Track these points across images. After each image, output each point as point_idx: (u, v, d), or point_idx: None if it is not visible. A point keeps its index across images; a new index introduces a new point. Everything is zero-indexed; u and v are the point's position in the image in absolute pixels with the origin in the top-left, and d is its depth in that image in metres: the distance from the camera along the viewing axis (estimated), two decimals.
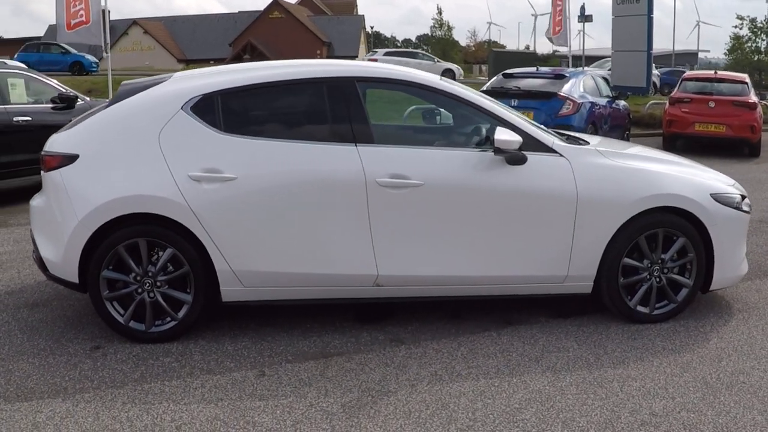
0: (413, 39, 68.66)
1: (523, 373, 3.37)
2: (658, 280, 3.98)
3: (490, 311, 4.11)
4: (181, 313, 3.62)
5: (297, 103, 3.80)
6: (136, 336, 3.61)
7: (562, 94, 9.12)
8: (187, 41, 52.69)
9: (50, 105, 7.53)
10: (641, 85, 14.03)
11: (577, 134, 4.76)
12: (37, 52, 25.71)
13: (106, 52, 11.61)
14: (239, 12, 55.66)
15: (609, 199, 3.82)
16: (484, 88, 10.07)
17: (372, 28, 63.85)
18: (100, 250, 3.52)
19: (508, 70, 10.49)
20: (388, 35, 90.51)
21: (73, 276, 3.58)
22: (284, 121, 3.77)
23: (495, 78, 10.61)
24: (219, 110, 3.63)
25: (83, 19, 10.96)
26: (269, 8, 50.84)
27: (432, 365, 3.45)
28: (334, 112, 3.73)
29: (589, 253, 3.84)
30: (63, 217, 3.55)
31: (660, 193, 3.88)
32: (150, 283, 3.57)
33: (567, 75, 9.78)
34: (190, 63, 48.58)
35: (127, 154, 3.55)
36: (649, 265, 3.96)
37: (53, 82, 8.08)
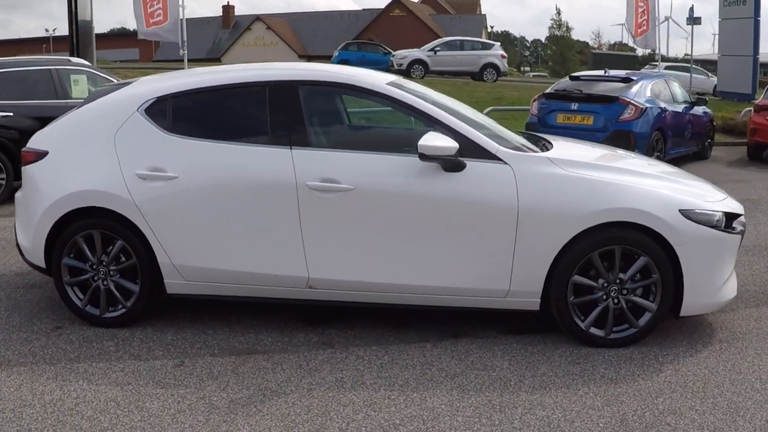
0: (542, 40, 67.10)
1: (428, 389, 3.27)
2: (615, 301, 3.68)
3: (443, 322, 4.00)
4: (129, 302, 3.89)
5: (240, 106, 3.93)
6: (91, 320, 3.93)
7: (623, 98, 8.58)
8: (309, 37, 54.79)
9: None
10: (746, 91, 12.78)
11: (548, 137, 4.52)
12: (357, 51, 27.56)
13: (183, 50, 12.34)
14: (363, 9, 57.06)
15: (556, 211, 3.59)
16: (547, 91, 9.72)
17: (492, 27, 63.00)
18: (61, 239, 3.88)
19: (575, 73, 10.01)
20: (517, 35, 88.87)
21: (41, 261, 3.96)
22: (227, 124, 3.91)
23: (561, 81, 10.18)
24: (169, 112, 3.86)
25: (161, 18, 11.74)
26: (390, 6, 51.71)
27: (343, 371, 3.44)
28: (273, 115, 3.81)
29: (533, 268, 3.64)
30: (33, 208, 3.95)
31: (615, 207, 3.58)
32: (104, 272, 3.87)
33: (635, 79, 9.16)
34: (311, 59, 50.57)
35: (87, 152, 3.88)
36: (605, 285, 3.67)
37: (115, 78, 8.78)
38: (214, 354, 3.64)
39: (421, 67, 22.44)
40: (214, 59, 50.73)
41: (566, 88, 9.38)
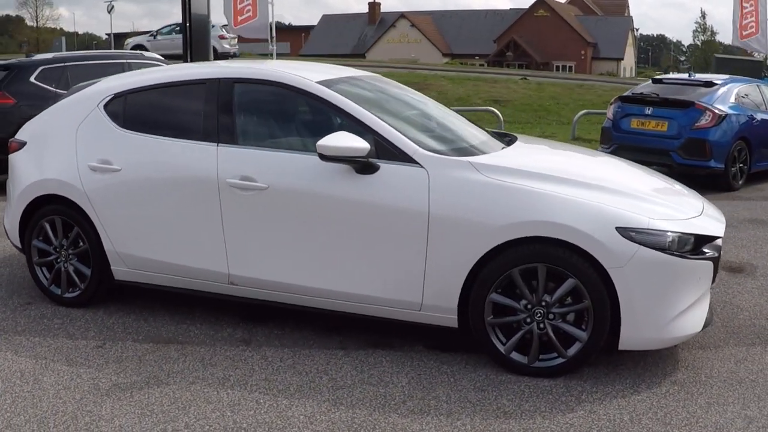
0: (699, 44, 61.99)
1: (301, 397, 3.19)
2: (541, 326, 3.33)
3: (374, 331, 3.85)
4: (83, 285, 4.18)
5: (181, 103, 4.03)
6: (55, 298, 4.28)
7: (700, 103, 7.66)
8: (453, 36, 54.75)
9: None
10: None
11: (513, 135, 4.23)
12: None
13: (272, 45, 12.83)
14: (509, 9, 56.02)
15: (471, 221, 3.32)
16: (625, 93, 8.98)
17: (638, 30, 59.15)
18: (31, 222, 4.26)
19: (659, 76, 9.11)
20: (674, 40, 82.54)
21: (17, 242, 4.37)
22: (168, 120, 4.03)
23: (644, 84, 9.30)
24: (123, 109, 4.08)
25: (250, 14, 12.22)
26: (535, 6, 50.39)
27: (236, 369, 3.46)
28: (206, 112, 3.88)
29: (446, 282, 3.39)
30: (12, 193, 4.38)
31: (530, 219, 3.24)
32: (65, 256, 4.19)
33: (719, 83, 8.13)
34: (455, 57, 50.63)
35: (54, 144, 4.21)
36: (529, 307, 3.33)
37: None
38: (137, 340, 3.81)
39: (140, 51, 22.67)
40: (359, 55, 52.53)
41: (644, 92, 8.57)
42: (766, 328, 4.01)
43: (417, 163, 3.46)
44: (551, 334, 3.32)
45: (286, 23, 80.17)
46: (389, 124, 3.58)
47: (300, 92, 3.74)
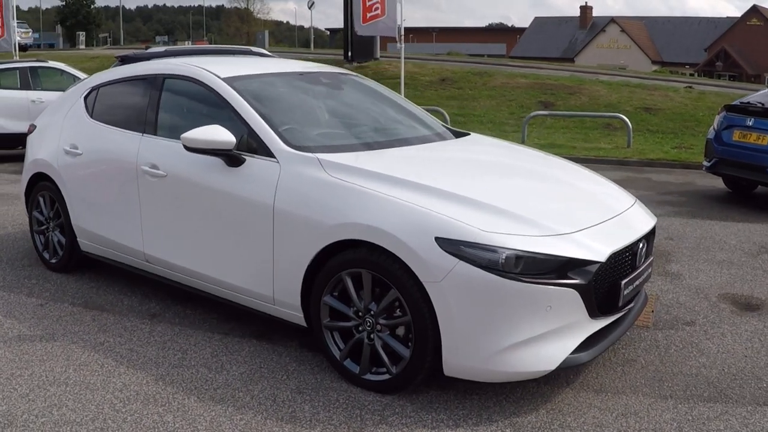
0: None
1: (121, 372, 3.42)
2: (371, 336, 3.16)
3: (273, 325, 3.93)
4: (61, 253, 4.82)
5: (130, 96, 4.43)
6: (45, 263, 5.03)
7: None
8: (664, 43, 50.62)
9: None
10: None
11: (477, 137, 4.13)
12: None
13: (400, 43, 12.79)
14: (723, 17, 50.27)
15: (307, 218, 3.27)
16: (734, 102, 7.75)
17: None
18: (30, 197, 5.03)
19: None
20: None
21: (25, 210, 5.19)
22: (119, 111, 4.47)
23: (760, 92, 7.85)
24: (94, 100, 4.63)
25: (378, 12, 12.20)
26: (747, 15, 44.67)
27: (114, 338, 3.81)
28: (142, 105, 4.25)
29: (289, 279, 3.38)
30: (23, 169, 5.15)
31: (357, 222, 3.08)
32: (51, 227, 4.88)
33: None
34: (664, 65, 46.74)
35: (50, 129, 4.93)
36: (359, 314, 3.18)
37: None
38: (74, 304, 4.34)
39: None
40: (568, 59, 50.83)
41: (751, 101, 7.27)
42: (713, 382, 3.34)
43: (274, 157, 3.49)
44: (377, 346, 3.15)
45: (509, 25, 79.87)
46: (267, 120, 3.63)
47: (205, 87, 3.94)
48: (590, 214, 3.30)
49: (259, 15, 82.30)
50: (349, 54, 22.88)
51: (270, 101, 3.87)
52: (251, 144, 3.58)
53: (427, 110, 16.64)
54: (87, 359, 3.53)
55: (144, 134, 4.14)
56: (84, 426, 2.89)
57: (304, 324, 3.45)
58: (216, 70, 4.01)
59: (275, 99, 3.94)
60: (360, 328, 3.20)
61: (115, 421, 2.94)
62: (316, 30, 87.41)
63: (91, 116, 4.61)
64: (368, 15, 12.47)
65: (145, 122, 4.18)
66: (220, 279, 3.74)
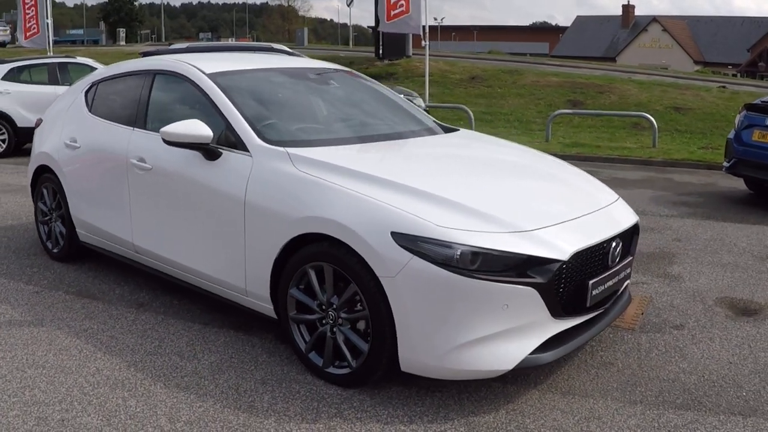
0: None
1: (102, 351, 3.51)
2: (333, 330, 3.17)
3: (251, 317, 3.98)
4: (62, 242, 4.96)
5: (125, 91, 4.53)
6: (48, 252, 5.19)
7: None
8: (707, 43, 49.23)
9: None
10: None
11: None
12: None
13: (425, 41, 12.73)
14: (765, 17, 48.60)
15: (274, 211, 3.30)
16: (755, 101, 7.49)
17: None
18: (36, 188, 5.21)
19: None
20: None
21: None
22: (114, 105, 4.58)
23: None
24: (93, 95, 4.75)
25: (403, 9, 12.17)
26: None
27: (98, 324, 3.91)
28: (133, 99, 4.35)
29: (259, 271, 3.42)
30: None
31: (319, 215, 3.10)
32: (54, 217, 5.03)
33: None
34: (707, 65, 45.45)
35: (53, 123, 5.08)
36: (322, 308, 3.19)
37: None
38: (68, 292, 4.47)
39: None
40: (610, 59, 49.90)
41: None
42: (689, 389, 3.24)
43: (248, 151, 3.53)
44: (339, 340, 3.16)
45: (553, 24, 78.81)
46: (243, 115, 3.66)
47: (190, 82, 4.00)
48: (562, 210, 3.23)
49: (302, 13, 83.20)
50: (380, 51, 22.89)
51: (251, 96, 3.91)
52: (229, 138, 3.63)
53: (451, 108, 16.59)
54: (68, 344, 3.63)
55: (134, 128, 4.23)
56: (51, 407, 2.99)
57: (274, 316, 3.48)
58: (203, 66, 4.07)
59: (257, 94, 3.98)
60: (324, 322, 3.22)
61: (80, 403, 3.02)
62: (359, 27, 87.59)
63: (90, 111, 4.73)
64: (392, 12, 12.49)
65: (136, 117, 4.28)
66: (198, 270, 3.80)
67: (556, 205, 3.29)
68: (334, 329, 3.17)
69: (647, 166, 10.02)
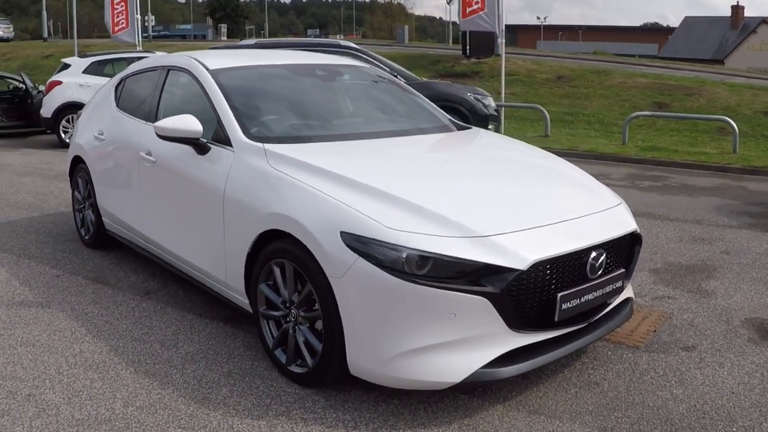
0: None
1: (92, 333, 3.66)
2: (294, 328, 3.14)
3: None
4: (92, 230, 5.23)
5: (144, 86, 4.68)
6: (81, 239, 5.47)
7: None
8: None
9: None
10: None
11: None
12: None
13: (501, 39, 12.35)
14: None
15: (247, 207, 3.32)
16: None
17: None
18: (72, 177, 5.51)
19: None
20: None
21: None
22: (135, 100, 4.75)
23: None
24: (121, 90, 4.96)
25: (478, 6, 11.85)
26: None
27: (99, 309, 4.09)
28: (149, 95, 4.51)
29: (235, 265, 3.44)
30: None
31: (278, 212, 3.09)
32: (86, 206, 5.30)
33: None
34: None
35: (88, 115, 5.38)
36: (286, 305, 3.16)
37: (379, 61, 9.84)
38: (87, 277, 4.71)
39: None
40: (717, 61, 46.85)
41: None
42: (672, 419, 2.94)
43: (231, 146, 3.55)
44: (299, 339, 3.11)
45: (664, 25, 75.36)
46: (234, 111, 3.68)
47: (194, 78, 4.08)
48: (539, 215, 3.01)
49: (409, 10, 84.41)
50: (467, 50, 22.55)
51: (247, 93, 3.95)
52: (219, 134, 3.68)
53: (527, 108, 16.05)
54: (64, 326, 3.82)
55: (147, 122, 4.38)
56: (24, 383, 3.15)
57: (251, 310, 3.49)
58: (209, 62, 4.14)
59: (254, 91, 4.01)
60: (288, 319, 3.19)
61: (51, 381, 3.17)
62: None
63: (117, 105, 4.96)
64: (468, 10, 12.26)
65: (149, 111, 4.43)
66: (191, 262, 3.89)
67: (535, 210, 3.07)
68: (296, 327, 3.14)
69: (723, 173, 9.25)
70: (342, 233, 2.81)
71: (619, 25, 75.25)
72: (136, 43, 15.05)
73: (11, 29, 36.56)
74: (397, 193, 2.95)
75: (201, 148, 3.68)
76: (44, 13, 37.29)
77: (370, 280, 2.72)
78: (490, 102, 10.44)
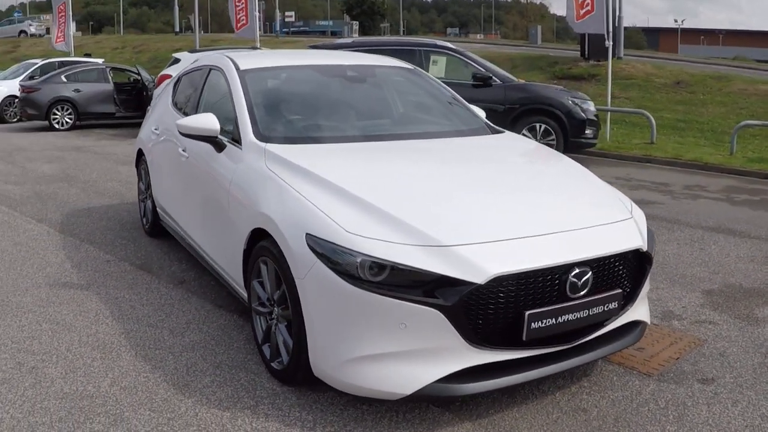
0: None
1: (103, 315, 3.89)
2: (275, 325, 3.21)
3: None
4: (150, 219, 5.59)
5: (192, 85, 4.91)
6: (143, 228, 5.86)
7: None
8: None
9: (471, 82, 9.39)
10: None
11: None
12: None
13: (609, 41, 11.73)
14: None
15: (243, 205, 3.44)
16: None
17: None
18: (138, 168, 5.90)
19: None
20: None
21: None
22: (184, 98, 4.99)
23: None
24: (175, 88, 5.25)
25: (589, 8, 11.35)
26: None
27: (130, 294, 4.36)
28: (194, 93, 4.75)
29: (236, 260, 3.55)
30: None
31: (261, 211, 3.17)
32: (147, 196, 5.67)
33: None
34: None
35: (152, 111, 5.73)
36: (270, 303, 3.23)
37: (476, 61, 9.74)
38: (133, 263, 5.04)
39: None
40: None
41: None
42: None
43: (240, 145, 3.67)
44: (277, 336, 3.17)
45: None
46: (250, 111, 3.79)
47: (225, 77, 4.24)
48: (522, 227, 2.85)
49: (552, 10, 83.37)
50: (586, 52, 21.64)
51: (269, 94, 4.08)
52: (235, 132, 3.81)
53: (634, 113, 15.21)
54: (91, 308, 4.12)
55: None
56: (34, 356, 3.44)
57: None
58: (241, 62, 4.30)
59: (277, 91, 4.14)
60: (272, 316, 3.25)
61: (57, 357, 3.44)
62: None
63: (172, 101, 5.27)
64: (581, 11, 11.84)
65: (192, 108, 4.68)
66: (210, 255, 4.08)
67: (522, 221, 2.91)
68: (277, 325, 3.20)
69: None
70: (307, 235, 2.84)
71: (762, 29, 69.03)
72: (255, 39, 15.51)
73: (42, 27, 41.75)
74: (370, 199, 2.92)
75: (218, 146, 3.85)
76: (176, 7, 39.04)
77: (326, 283, 2.73)
78: (590, 107, 9.96)
